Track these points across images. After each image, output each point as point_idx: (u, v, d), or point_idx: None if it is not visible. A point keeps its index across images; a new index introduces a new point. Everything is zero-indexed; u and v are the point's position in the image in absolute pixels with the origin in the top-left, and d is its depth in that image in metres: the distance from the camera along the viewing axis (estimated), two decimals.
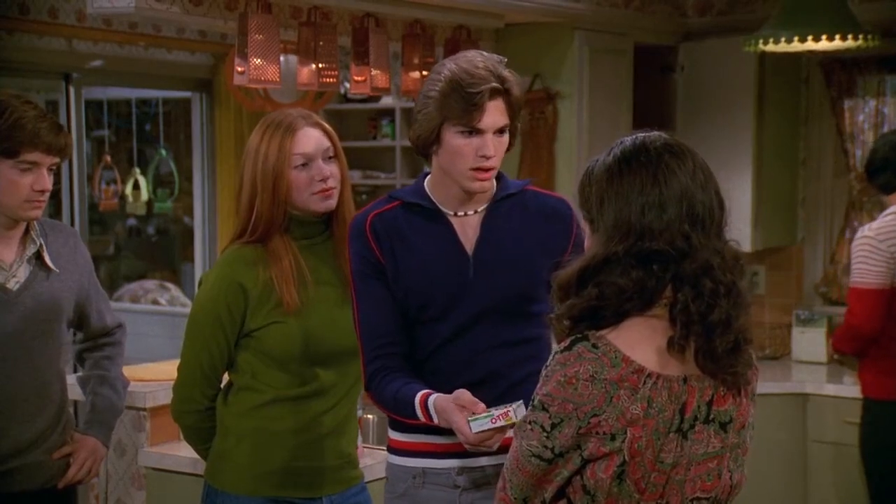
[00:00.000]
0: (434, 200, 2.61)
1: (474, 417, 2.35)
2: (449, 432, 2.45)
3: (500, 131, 2.54)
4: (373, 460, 3.52)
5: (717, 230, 1.93)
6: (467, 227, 2.61)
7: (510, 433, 2.29)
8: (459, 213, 2.61)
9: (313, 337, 2.76)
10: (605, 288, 1.89)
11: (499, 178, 2.65)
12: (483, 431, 2.34)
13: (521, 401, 2.34)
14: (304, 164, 2.74)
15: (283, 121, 2.76)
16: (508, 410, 2.32)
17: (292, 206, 2.76)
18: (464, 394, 2.42)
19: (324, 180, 2.75)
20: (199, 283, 2.87)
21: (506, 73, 2.54)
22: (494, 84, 2.50)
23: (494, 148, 2.53)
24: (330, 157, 2.78)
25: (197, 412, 2.86)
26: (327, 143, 2.78)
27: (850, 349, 4.37)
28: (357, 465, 2.91)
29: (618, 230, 1.90)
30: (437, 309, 2.57)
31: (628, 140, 1.97)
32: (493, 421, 2.32)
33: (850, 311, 4.29)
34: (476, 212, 2.62)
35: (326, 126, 2.81)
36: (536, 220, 2.62)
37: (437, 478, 2.58)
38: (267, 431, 2.77)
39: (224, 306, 2.75)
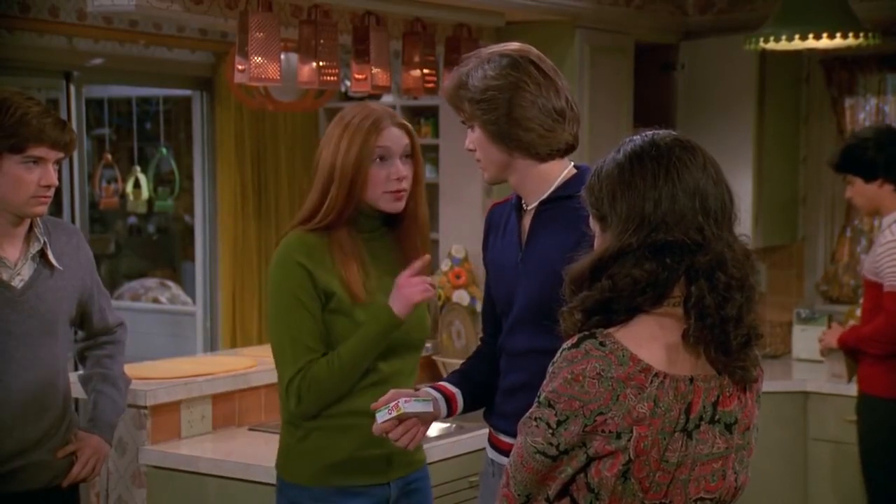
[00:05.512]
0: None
1: (379, 409, 2.54)
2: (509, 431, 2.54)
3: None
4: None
5: (729, 224, 1.94)
6: (526, 221, 2.63)
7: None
8: (526, 206, 2.64)
9: None
10: (619, 280, 1.89)
11: (579, 174, 2.60)
12: (385, 422, 2.53)
13: (430, 399, 2.58)
14: (382, 158, 2.75)
15: (370, 115, 2.77)
16: (397, 402, 2.52)
17: (364, 200, 2.77)
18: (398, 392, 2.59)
19: (399, 180, 2.76)
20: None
21: None
22: None
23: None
24: (407, 156, 2.80)
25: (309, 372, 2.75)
26: (406, 141, 2.80)
27: (881, 351, 4.24)
28: (421, 447, 2.92)
29: (632, 222, 1.90)
30: (499, 301, 2.66)
31: (637, 138, 1.97)
32: (389, 412, 2.51)
33: (892, 314, 4.16)
34: (532, 206, 2.62)
35: (408, 125, 2.83)
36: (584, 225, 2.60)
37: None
38: (332, 424, 2.78)
39: (298, 286, 2.73)
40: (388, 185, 2.76)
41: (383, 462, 2.82)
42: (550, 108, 2.54)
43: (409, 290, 2.73)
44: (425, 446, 3.37)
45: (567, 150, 2.60)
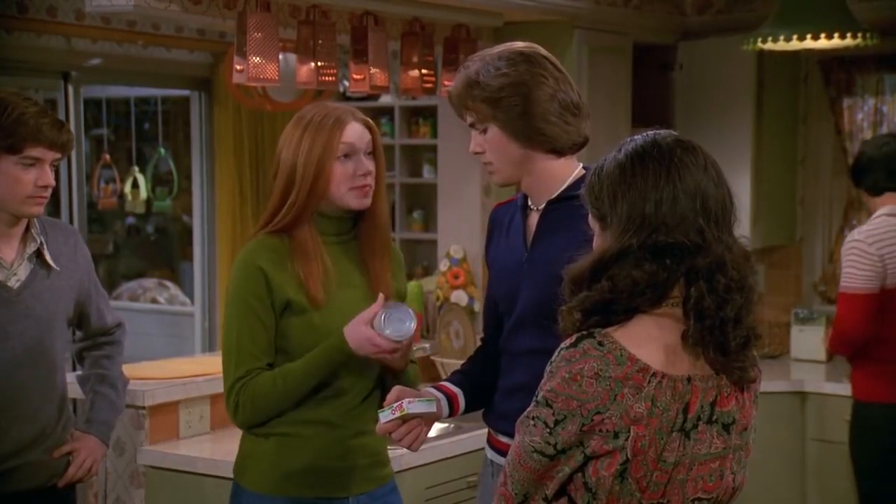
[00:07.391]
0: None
1: (383, 409, 2.53)
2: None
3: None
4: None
5: (728, 226, 1.94)
6: (533, 222, 2.62)
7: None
8: (533, 208, 2.62)
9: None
10: (618, 281, 1.89)
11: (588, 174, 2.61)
12: (388, 422, 2.51)
13: (433, 399, 2.56)
14: (346, 155, 2.71)
15: (331, 113, 2.73)
16: (401, 403, 2.50)
17: (328, 199, 2.73)
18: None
19: (364, 175, 2.72)
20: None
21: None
22: None
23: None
24: (369, 153, 2.76)
25: (249, 382, 2.72)
26: (369, 138, 2.76)
27: (841, 352, 4.36)
28: (388, 462, 2.88)
29: (632, 223, 1.90)
30: (502, 300, 2.65)
31: (639, 138, 1.97)
32: (393, 412, 2.50)
33: (839, 316, 4.25)
34: (540, 208, 2.60)
35: (370, 122, 2.79)
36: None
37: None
38: (292, 432, 2.73)
39: (252, 293, 2.69)
40: (354, 182, 2.71)
41: (344, 475, 2.76)
42: (569, 102, 2.53)
43: (369, 346, 2.64)
44: (424, 447, 3.38)
45: (581, 145, 2.60)
